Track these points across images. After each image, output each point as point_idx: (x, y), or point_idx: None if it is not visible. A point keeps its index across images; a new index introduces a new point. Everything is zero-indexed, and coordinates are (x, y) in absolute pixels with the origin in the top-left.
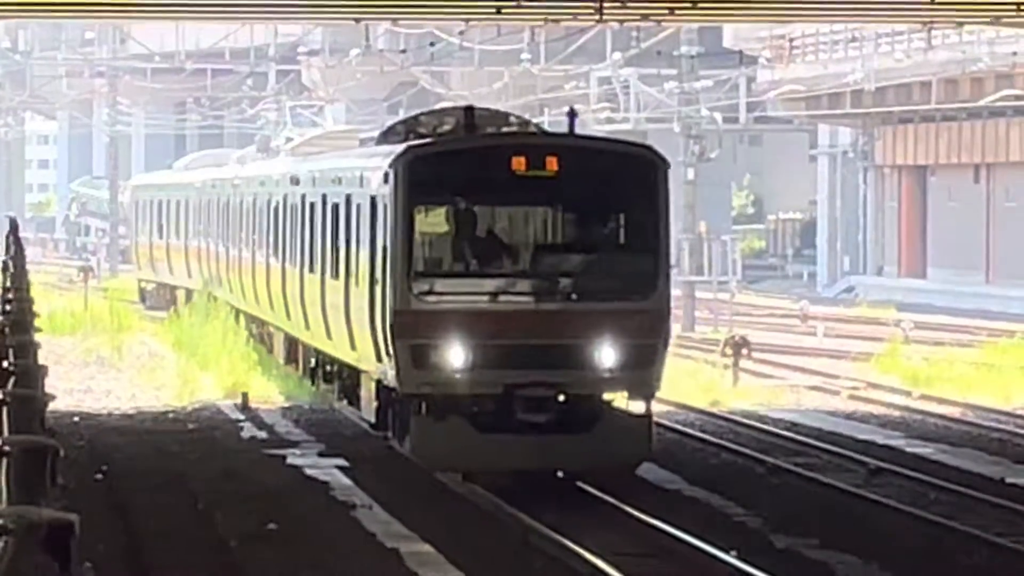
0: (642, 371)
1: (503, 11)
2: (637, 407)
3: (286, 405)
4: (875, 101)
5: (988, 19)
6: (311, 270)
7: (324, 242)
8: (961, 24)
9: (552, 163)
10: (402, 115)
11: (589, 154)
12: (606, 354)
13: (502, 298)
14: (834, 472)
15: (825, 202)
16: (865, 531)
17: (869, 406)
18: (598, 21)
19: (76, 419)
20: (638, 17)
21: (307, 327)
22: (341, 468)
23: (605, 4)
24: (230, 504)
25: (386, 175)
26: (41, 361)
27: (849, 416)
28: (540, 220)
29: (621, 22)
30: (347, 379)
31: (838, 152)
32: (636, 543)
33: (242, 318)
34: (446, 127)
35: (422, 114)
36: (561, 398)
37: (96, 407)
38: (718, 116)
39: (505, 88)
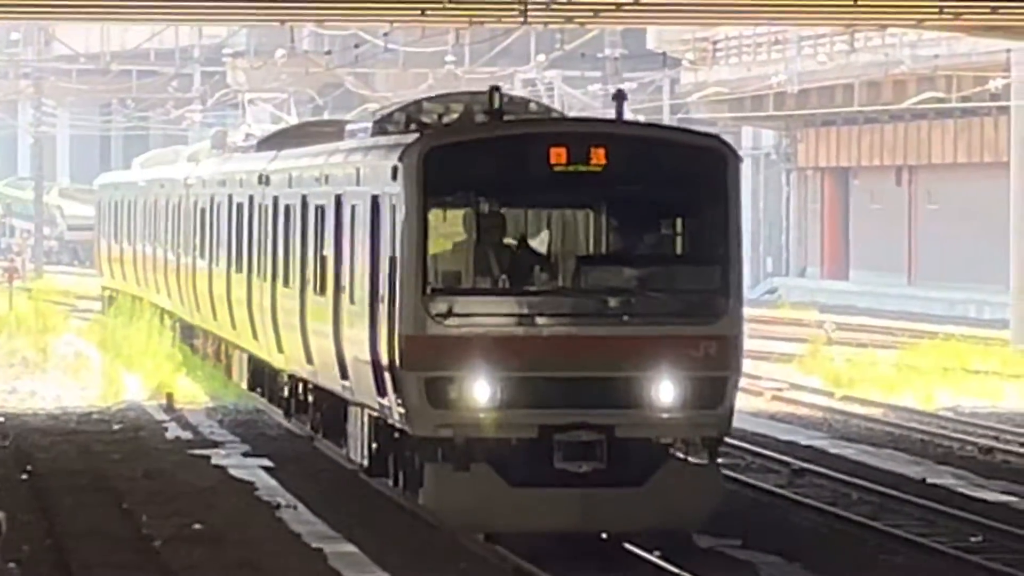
0: (708, 411)
1: (427, 13)
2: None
3: (211, 406)
4: (798, 103)
5: (911, 22)
6: (286, 284)
7: (304, 251)
8: (884, 27)
9: (599, 155)
10: (327, 116)
11: (644, 145)
12: (664, 390)
13: (538, 321)
14: (757, 472)
15: (748, 204)
16: (788, 531)
17: (792, 407)
18: (522, 23)
19: (1, 419)
20: (562, 19)
21: (279, 349)
22: (266, 468)
23: (529, 6)
24: (155, 504)
25: (394, 170)
26: None
27: (772, 417)
28: (584, 225)
29: (545, 24)
30: (329, 411)
31: (761, 154)
32: (561, 541)
33: (167, 318)
34: (453, 115)
35: (425, 99)
36: (608, 443)
37: (21, 407)
38: (642, 118)
39: (430, 90)
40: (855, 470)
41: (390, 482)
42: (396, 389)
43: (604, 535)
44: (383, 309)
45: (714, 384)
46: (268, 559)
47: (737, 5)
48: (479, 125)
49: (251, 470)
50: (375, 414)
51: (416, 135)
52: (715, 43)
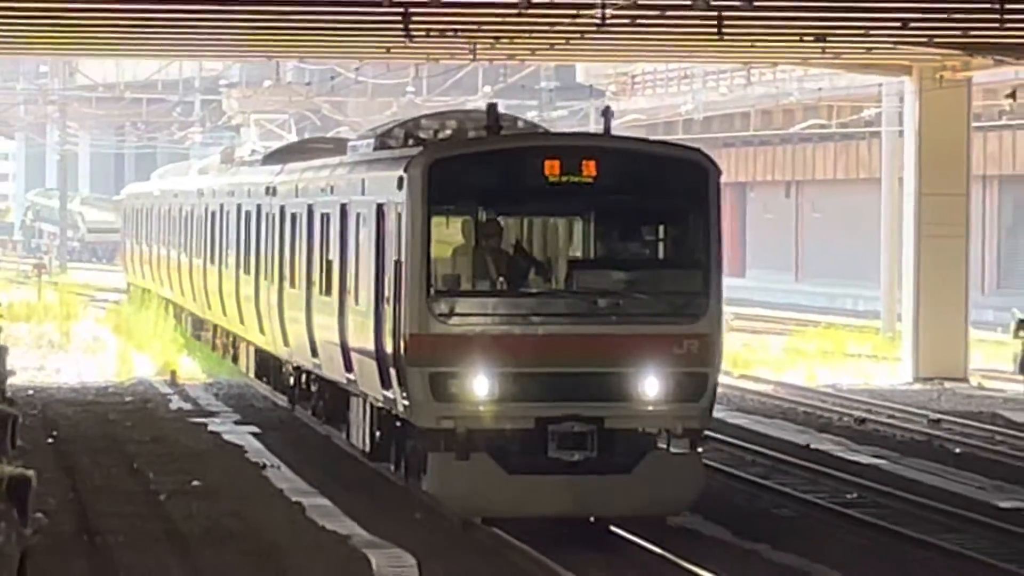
0: (691, 404)
1: (392, 50)
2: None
3: (208, 382)
4: (703, 128)
5: (798, 60)
6: (292, 285)
7: (310, 255)
8: (775, 64)
9: (590, 167)
10: (307, 136)
11: (631, 157)
12: (650, 384)
13: (533, 320)
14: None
15: None
16: None
17: None
18: (471, 59)
19: (31, 392)
20: (505, 56)
21: (285, 343)
22: (254, 434)
23: (478, 45)
24: (160, 464)
25: (400, 180)
26: (1, 343)
27: None
28: (576, 232)
29: (491, 61)
30: (332, 400)
31: None
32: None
33: (171, 308)
34: (448, 131)
35: (423, 117)
36: (598, 433)
37: (48, 382)
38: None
39: (393, 116)
40: (750, 437)
41: (391, 467)
42: (400, 383)
43: (592, 518)
44: (388, 309)
45: (696, 379)
46: (255, 510)
47: (651, 44)
48: (478, 139)
49: (241, 436)
50: (378, 404)
51: (419, 148)
52: (633, 77)
